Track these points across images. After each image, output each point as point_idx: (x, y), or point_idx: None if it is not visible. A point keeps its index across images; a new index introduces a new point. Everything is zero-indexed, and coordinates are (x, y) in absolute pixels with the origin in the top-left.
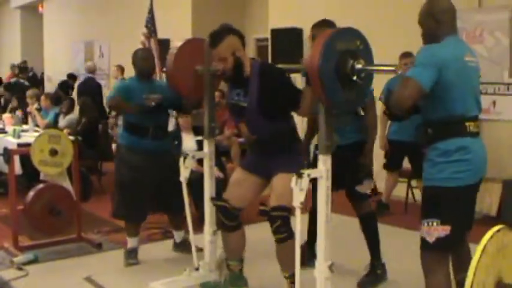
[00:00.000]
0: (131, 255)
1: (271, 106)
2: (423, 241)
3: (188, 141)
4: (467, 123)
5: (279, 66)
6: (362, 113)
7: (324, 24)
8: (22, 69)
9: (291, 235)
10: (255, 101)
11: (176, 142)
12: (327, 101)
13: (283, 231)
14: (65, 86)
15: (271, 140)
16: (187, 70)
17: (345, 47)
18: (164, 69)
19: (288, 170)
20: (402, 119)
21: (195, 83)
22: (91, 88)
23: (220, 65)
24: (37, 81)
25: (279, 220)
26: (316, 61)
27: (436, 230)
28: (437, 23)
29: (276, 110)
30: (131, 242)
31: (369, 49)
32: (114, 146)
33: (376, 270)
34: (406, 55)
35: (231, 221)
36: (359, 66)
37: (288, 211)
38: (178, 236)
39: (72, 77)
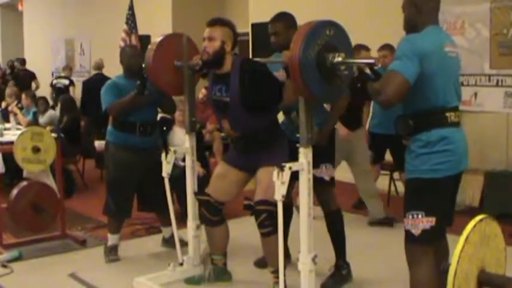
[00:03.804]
0: (112, 252)
1: (253, 100)
2: (408, 234)
3: (180, 135)
4: (448, 114)
5: (259, 59)
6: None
7: (280, 18)
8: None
9: (276, 229)
10: (236, 95)
11: (164, 128)
12: (309, 94)
13: (268, 225)
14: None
15: (255, 134)
16: (167, 66)
17: (323, 41)
18: (143, 65)
19: (272, 163)
20: None
21: (175, 78)
22: (101, 84)
23: (207, 43)
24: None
25: (265, 214)
26: (297, 55)
27: (421, 222)
28: (418, 12)
29: (259, 103)
30: (112, 239)
31: (347, 38)
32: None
33: (341, 270)
34: (383, 47)
35: (214, 215)
36: (339, 59)
37: (273, 205)
38: (166, 231)
39: (22, 62)
